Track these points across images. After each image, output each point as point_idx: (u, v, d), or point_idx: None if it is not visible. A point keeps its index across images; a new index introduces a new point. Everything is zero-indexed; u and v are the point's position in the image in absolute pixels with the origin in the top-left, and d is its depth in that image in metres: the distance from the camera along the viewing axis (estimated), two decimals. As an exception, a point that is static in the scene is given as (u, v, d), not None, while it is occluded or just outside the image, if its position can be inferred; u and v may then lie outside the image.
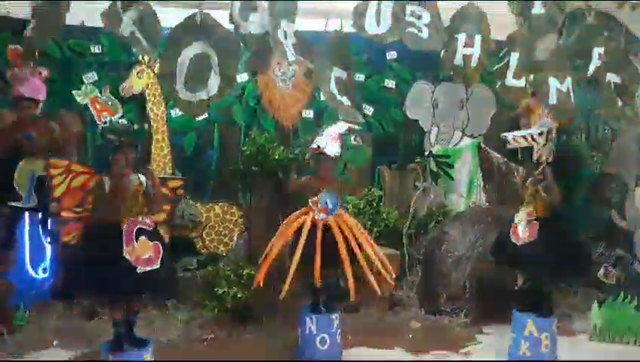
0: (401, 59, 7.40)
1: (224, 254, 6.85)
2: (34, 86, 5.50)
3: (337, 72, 5.69)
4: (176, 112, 6.67)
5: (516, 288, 5.31)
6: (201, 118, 6.76)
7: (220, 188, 7.02)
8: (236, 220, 6.98)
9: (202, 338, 5.76)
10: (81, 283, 4.31)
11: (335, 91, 5.54)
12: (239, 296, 5.87)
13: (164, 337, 5.72)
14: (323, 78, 5.56)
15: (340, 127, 5.23)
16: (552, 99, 5.47)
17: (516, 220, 5.15)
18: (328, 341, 5.09)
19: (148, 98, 6.64)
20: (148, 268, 4.21)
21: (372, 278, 5.11)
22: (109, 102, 4.27)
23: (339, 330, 5.22)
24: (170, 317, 6.12)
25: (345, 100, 5.59)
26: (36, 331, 5.73)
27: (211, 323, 5.99)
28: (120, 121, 4.78)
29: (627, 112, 5.91)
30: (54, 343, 5.57)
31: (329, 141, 5.19)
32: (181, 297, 6.29)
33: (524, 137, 5.17)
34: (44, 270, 6.17)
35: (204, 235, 6.93)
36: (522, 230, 5.08)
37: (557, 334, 5.23)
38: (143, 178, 4.40)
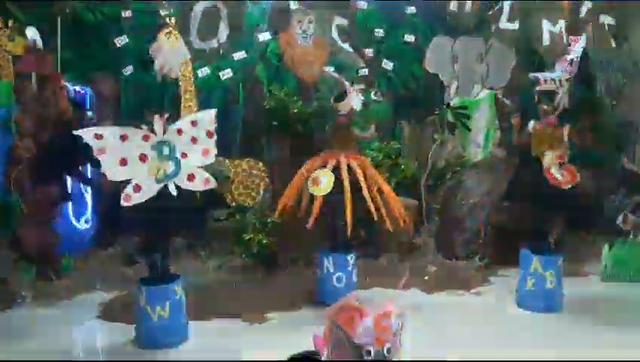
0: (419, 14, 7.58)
1: (251, 207, 7.24)
2: None
3: (338, 20, 5.94)
4: (202, 72, 7.02)
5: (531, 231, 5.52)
6: (226, 76, 7.14)
7: (246, 144, 7.38)
8: (262, 175, 7.35)
9: (232, 282, 6.20)
10: (122, 220, 4.73)
11: (337, 37, 5.82)
12: (264, 241, 6.27)
13: (197, 281, 6.18)
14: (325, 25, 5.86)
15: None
16: (545, 41, 5.55)
17: (545, 165, 5.28)
18: (344, 279, 5.44)
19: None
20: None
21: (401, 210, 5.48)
22: None
23: (354, 270, 5.57)
24: (203, 264, 6.58)
25: (346, 47, 5.88)
26: (81, 277, 6.27)
27: (240, 269, 6.43)
28: None
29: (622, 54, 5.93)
30: (97, 287, 6.10)
31: (352, 95, 5.47)
32: (213, 245, 6.76)
33: (553, 80, 5.31)
34: (87, 221, 6.68)
35: (232, 190, 7.32)
36: (557, 172, 5.22)
37: (563, 272, 5.45)
38: None
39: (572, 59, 5.44)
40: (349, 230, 5.21)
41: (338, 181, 5.29)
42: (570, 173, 5.26)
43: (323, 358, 2.40)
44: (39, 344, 4.79)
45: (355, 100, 5.42)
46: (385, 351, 2.21)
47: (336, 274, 5.45)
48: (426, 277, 6.30)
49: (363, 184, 5.33)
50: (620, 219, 6.86)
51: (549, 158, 5.29)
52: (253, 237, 6.31)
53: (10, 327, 5.16)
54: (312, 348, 2.49)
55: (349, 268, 5.52)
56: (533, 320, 5.24)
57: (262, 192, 7.32)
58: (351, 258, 5.55)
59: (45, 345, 4.75)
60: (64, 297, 5.84)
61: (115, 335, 4.96)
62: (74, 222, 6.61)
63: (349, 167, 5.39)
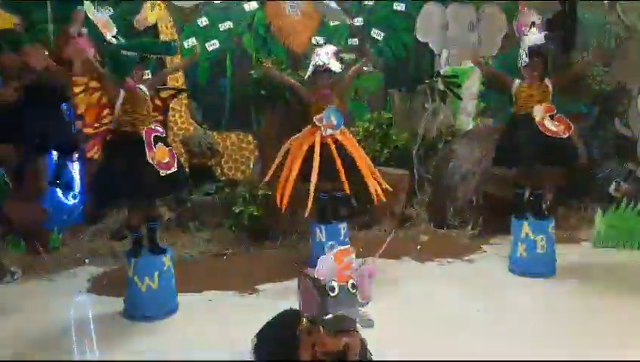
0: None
1: (241, 180, 7.17)
2: None
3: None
4: (189, 43, 6.90)
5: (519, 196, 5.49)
6: (212, 47, 7.02)
7: (235, 116, 7.29)
8: (252, 148, 7.27)
9: (222, 253, 6.15)
10: (109, 192, 4.65)
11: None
12: (255, 213, 6.22)
13: (187, 254, 6.14)
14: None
15: (333, 47, 5.43)
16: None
17: (537, 119, 5.22)
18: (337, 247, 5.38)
19: (160, 29, 6.86)
20: (169, 172, 4.50)
21: (377, 187, 5.43)
22: (105, 20, 4.47)
23: (347, 239, 5.53)
24: (193, 236, 6.52)
25: (332, 4, 5.78)
26: (70, 251, 6.21)
27: (230, 241, 6.38)
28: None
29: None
30: (86, 261, 6.04)
31: (331, 59, 5.38)
32: (202, 218, 6.70)
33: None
34: (74, 196, 6.60)
35: (222, 163, 7.25)
36: (551, 124, 5.18)
37: (555, 237, 5.44)
38: (145, 89, 4.67)
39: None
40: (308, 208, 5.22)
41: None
42: (562, 122, 5.22)
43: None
44: (27, 318, 4.75)
45: (331, 63, 5.31)
46: (349, 287, 2.21)
47: (329, 243, 5.40)
48: (418, 247, 6.27)
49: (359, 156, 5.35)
50: (612, 187, 6.85)
51: (540, 112, 5.24)
52: (244, 209, 6.26)
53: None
54: None
55: (341, 238, 5.47)
56: (524, 285, 5.23)
57: (252, 165, 7.25)
58: (343, 227, 5.50)
59: (33, 320, 4.71)
60: (53, 272, 5.77)
61: (104, 308, 4.91)
62: (62, 197, 6.52)
63: (338, 142, 5.34)
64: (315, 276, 2.26)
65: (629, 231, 5.97)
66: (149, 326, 4.55)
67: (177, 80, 6.94)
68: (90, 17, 4.40)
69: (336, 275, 2.22)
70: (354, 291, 2.23)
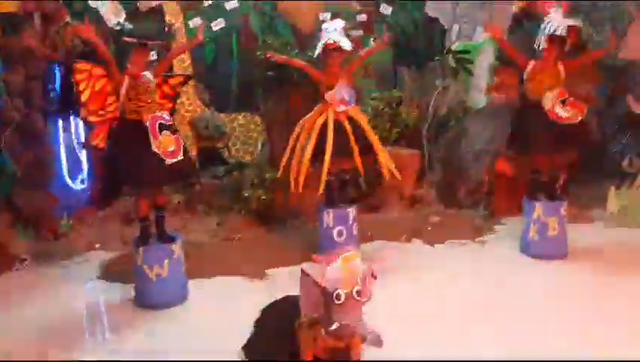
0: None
1: (250, 162, 7.11)
2: None
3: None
4: (194, 23, 6.78)
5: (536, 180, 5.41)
6: (218, 27, 6.90)
7: (242, 97, 7.19)
8: (259, 130, 7.19)
9: (231, 238, 6.12)
10: (115, 181, 4.62)
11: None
12: (263, 197, 6.17)
13: (195, 238, 6.11)
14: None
15: (341, 22, 5.29)
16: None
17: (547, 106, 5.11)
18: (345, 233, 5.35)
19: (165, 10, 6.74)
20: (174, 160, 4.45)
21: (391, 165, 5.37)
22: (114, 5, 4.38)
23: (355, 223, 5.46)
24: (201, 221, 6.49)
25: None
26: (80, 237, 6.21)
27: (239, 225, 6.34)
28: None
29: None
30: (96, 246, 6.04)
31: (341, 36, 5.25)
32: (212, 202, 6.67)
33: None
34: (82, 181, 6.58)
35: (229, 145, 7.18)
36: (562, 111, 5.07)
37: (567, 219, 5.35)
38: (150, 76, 4.59)
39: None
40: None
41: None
42: (575, 106, 5.09)
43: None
44: (37, 306, 4.76)
45: (342, 41, 5.18)
46: (354, 294, 2.19)
47: (337, 228, 5.35)
48: (428, 228, 6.20)
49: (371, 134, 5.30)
50: (625, 162, 6.72)
51: (550, 99, 5.11)
52: (252, 193, 6.21)
53: (8, 291, 5.12)
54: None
55: (350, 222, 5.41)
56: (536, 268, 5.16)
57: (260, 147, 7.18)
58: (351, 211, 5.44)
59: (43, 308, 4.72)
60: (63, 258, 5.78)
61: (115, 295, 4.93)
62: (69, 182, 6.51)
63: (351, 119, 5.24)
64: (321, 281, 2.21)
65: (642, 210, 5.86)
66: (159, 314, 4.55)
67: (184, 62, 6.87)
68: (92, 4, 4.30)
69: (343, 283, 2.18)
70: (359, 298, 2.20)
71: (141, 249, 4.64)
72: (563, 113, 5.07)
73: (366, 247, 5.65)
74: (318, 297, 2.22)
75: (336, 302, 2.15)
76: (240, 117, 7.17)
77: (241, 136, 7.18)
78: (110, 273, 5.39)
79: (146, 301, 4.66)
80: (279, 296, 2.89)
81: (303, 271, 2.39)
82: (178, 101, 6.84)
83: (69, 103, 5.70)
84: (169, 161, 4.40)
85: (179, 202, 6.69)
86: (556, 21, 5.04)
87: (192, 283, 4.93)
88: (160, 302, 4.62)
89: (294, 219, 6.36)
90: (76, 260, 5.77)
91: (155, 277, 4.61)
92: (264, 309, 2.86)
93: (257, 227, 6.27)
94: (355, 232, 5.45)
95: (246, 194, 6.25)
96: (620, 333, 3.91)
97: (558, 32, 5.03)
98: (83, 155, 6.52)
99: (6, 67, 5.83)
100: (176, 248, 4.75)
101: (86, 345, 4.21)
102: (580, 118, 5.07)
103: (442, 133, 7.08)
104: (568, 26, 5.05)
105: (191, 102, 7.03)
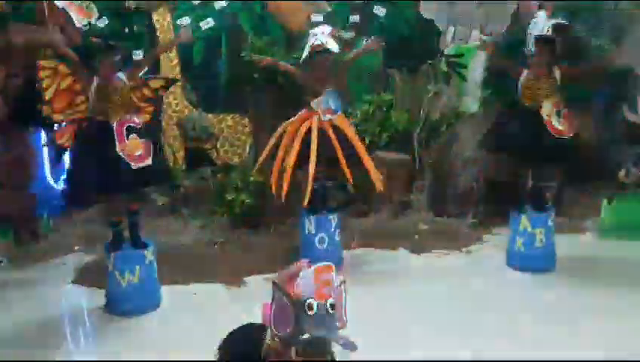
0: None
1: (238, 164, 6.98)
2: None
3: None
4: (182, 22, 6.64)
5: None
6: (206, 26, 6.76)
7: (230, 97, 7.06)
8: (248, 131, 7.05)
9: (214, 242, 5.99)
10: (83, 184, 4.50)
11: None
12: (247, 201, 6.04)
13: (179, 241, 5.99)
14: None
15: (328, 27, 5.15)
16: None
17: (545, 116, 4.96)
18: (327, 240, 5.21)
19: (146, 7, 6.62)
20: (141, 165, 4.32)
21: (378, 174, 5.25)
22: (85, 5, 4.25)
23: (338, 230, 5.33)
24: (185, 223, 6.37)
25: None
26: (60, 238, 6.09)
27: (223, 229, 6.21)
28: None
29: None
30: (76, 248, 5.92)
31: (328, 38, 5.11)
32: (195, 205, 6.54)
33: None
34: (64, 181, 6.46)
35: (218, 146, 7.05)
36: (557, 123, 4.94)
37: (559, 229, 5.21)
38: (124, 77, 4.46)
39: None
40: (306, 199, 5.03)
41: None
42: (567, 120, 4.96)
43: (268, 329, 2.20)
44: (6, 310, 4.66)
45: (329, 43, 5.03)
46: (328, 307, 2.00)
47: (319, 236, 5.21)
48: (416, 236, 6.05)
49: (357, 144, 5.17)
50: (622, 173, 6.53)
51: (548, 109, 4.96)
52: (236, 197, 6.08)
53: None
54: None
55: (332, 229, 5.27)
56: (521, 281, 5.01)
57: (247, 149, 7.05)
58: (333, 218, 5.29)
59: (8, 314, 4.62)
60: (41, 260, 5.67)
61: (87, 301, 4.81)
62: (51, 182, 6.40)
63: (336, 128, 5.09)
64: (291, 290, 2.04)
65: (637, 221, 5.66)
66: (127, 322, 4.43)
67: (172, 61, 6.74)
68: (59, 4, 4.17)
69: (315, 293, 2.00)
70: (333, 311, 2.02)
71: (112, 254, 4.52)
72: (558, 125, 4.94)
73: (349, 255, 5.53)
74: (288, 309, 2.03)
75: (308, 312, 1.98)
76: (229, 118, 7.04)
77: (230, 137, 7.05)
78: (86, 277, 5.26)
79: (117, 307, 4.55)
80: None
81: (274, 283, 2.20)
82: (166, 101, 6.87)
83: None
84: (134, 165, 4.27)
85: (163, 204, 6.59)
86: (541, 22, 4.88)
87: (166, 289, 4.80)
88: (130, 308, 4.50)
89: (280, 224, 6.21)
90: (54, 262, 5.66)
91: (126, 284, 4.48)
92: (225, 339, 2.65)
93: (241, 231, 6.14)
94: (337, 239, 5.31)
95: (229, 198, 6.11)
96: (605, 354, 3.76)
97: (543, 33, 4.86)
98: (66, 155, 6.39)
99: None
100: (149, 254, 4.62)
101: (52, 351, 4.09)
102: (571, 134, 4.92)
103: (434, 138, 6.91)
104: (555, 26, 4.87)
105: (178, 103, 6.92)
